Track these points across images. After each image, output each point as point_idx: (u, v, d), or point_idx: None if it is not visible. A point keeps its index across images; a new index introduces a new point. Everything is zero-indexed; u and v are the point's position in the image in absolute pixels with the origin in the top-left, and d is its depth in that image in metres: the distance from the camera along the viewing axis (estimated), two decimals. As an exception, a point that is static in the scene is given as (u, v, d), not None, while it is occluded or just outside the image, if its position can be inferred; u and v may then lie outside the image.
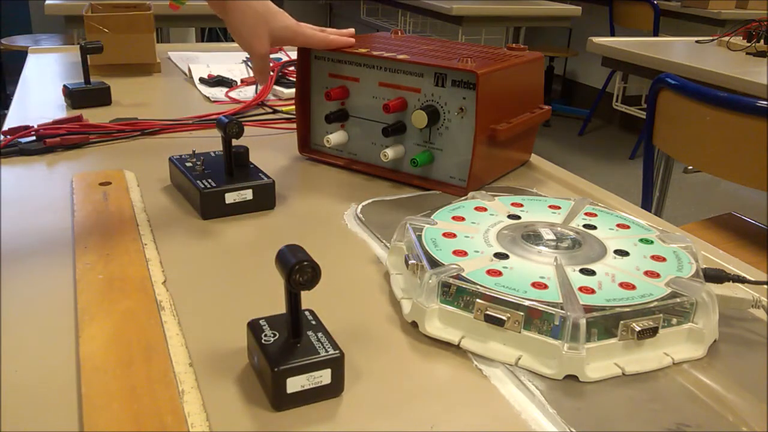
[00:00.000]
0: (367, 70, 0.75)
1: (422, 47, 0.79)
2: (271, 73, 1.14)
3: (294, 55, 1.27)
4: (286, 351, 0.39)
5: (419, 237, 0.53)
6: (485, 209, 0.59)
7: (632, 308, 0.44)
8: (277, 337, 0.41)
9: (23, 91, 1.09)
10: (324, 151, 0.81)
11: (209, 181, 0.64)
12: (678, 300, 0.46)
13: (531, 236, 0.54)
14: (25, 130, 0.82)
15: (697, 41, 1.94)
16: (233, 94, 1.09)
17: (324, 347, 0.40)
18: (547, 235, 0.54)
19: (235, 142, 0.65)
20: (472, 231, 0.55)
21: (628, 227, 0.57)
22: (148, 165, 0.76)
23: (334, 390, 0.40)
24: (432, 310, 0.46)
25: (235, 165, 0.67)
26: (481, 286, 0.46)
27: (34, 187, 0.70)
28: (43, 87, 1.11)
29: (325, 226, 0.64)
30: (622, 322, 0.44)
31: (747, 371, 0.45)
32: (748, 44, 1.80)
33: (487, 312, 0.44)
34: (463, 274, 0.47)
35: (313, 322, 0.42)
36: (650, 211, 1.19)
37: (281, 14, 0.75)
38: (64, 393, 0.40)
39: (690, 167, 3.04)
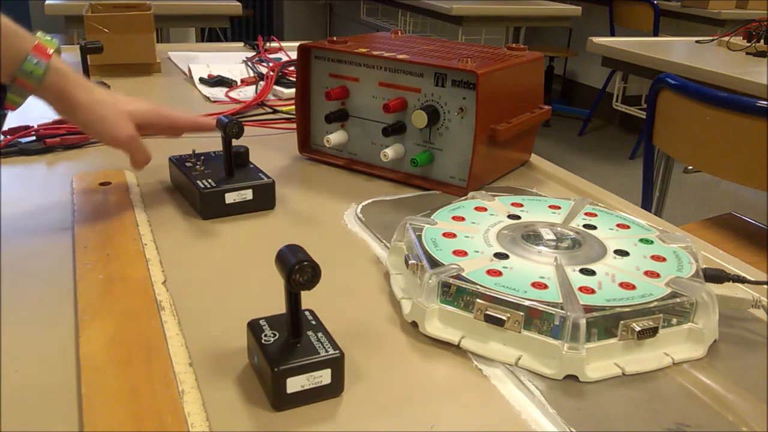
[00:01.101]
0: (367, 70, 0.75)
1: (422, 47, 0.79)
2: (272, 73, 1.14)
3: (294, 55, 1.27)
4: (286, 351, 0.39)
5: (419, 237, 0.53)
6: (485, 209, 0.59)
7: (632, 308, 0.44)
8: (277, 337, 0.41)
9: (23, 91, 1.08)
10: (324, 151, 0.81)
11: (209, 181, 0.64)
12: (678, 300, 0.46)
13: (531, 236, 0.54)
14: (25, 130, 0.82)
15: (697, 41, 1.94)
16: (233, 94, 1.09)
17: (324, 347, 0.40)
18: (547, 235, 0.54)
19: (235, 142, 0.65)
20: (472, 231, 0.55)
21: (628, 227, 0.57)
22: (148, 165, 0.76)
23: (334, 390, 0.40)
24: (432, 310, 0.46)
25: (235, 165, 0.67)
26: (481, 286, 0.46)
27: (34, 187, 0.70)
28: (43, 87, 1.11)
29: (325, 226, 0.64)
30: (622, 322, 0.44)
31: (747, 371, 0.45)
32: (748, 44, 1.80)
33: (487, 312, 0.44)
34: (463, 274, 0.47)
35: (313, 322, 0.42)
36: (650, 211, 1.19)
37: (134, 99, 0.67)
38: (64, 393, 0.40)
39: (690, 167, 3.04)
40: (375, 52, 0.74)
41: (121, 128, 0.63)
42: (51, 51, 0.60)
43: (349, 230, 0.64)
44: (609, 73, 3.57)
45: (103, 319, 0.46)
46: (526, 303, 0.44)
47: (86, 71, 1.00)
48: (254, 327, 0.42)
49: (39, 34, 0.62)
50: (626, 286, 0.47)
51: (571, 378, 0.43)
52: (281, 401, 0.39)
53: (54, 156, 0.79)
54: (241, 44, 1.55)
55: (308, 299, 0.41)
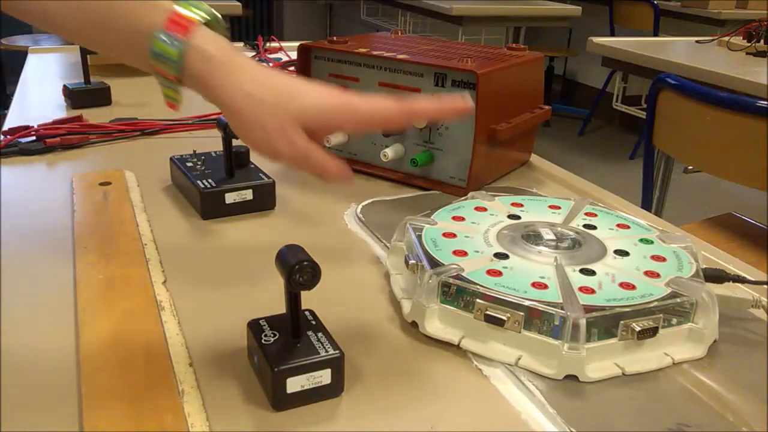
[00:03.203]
0: (367, 70, 0.75)
1: (422, 47, 0.79)
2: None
3: (294, 55, 1.27)
4: (286, 351, 0.39)
5: (419, 237, 0.53)
6: (485, 209, 0.59)
7: (632, 308, 0.44)
8: (277, 337, 0.41)
9: (23, 91, 1.09)
10: (324, 151, 0.81)
11: (210, 181, 0.64)
12: (678, 300, 0.46)
13: (531, 236, 0.54)
14: (25, 130, 0.81)
15: (697, 41, 1.94)
16: (233, 94, 1.09)
17: (324, 347, 0.40)
18: (547, 235, 0.54)
19: (235, 142, 0.65)
20: (472, 231, 0.55)
21: (628, 227, 0.57)
22: (148, 165, 0.76)
23: (334, 390, 0.40)
24: (432, 310, 0.46)
25: (235, 165, 0.67)
26: (481, 286, 0.46)
27: (34, 187, 0.70)
28: (43, 87, 1.11)
29: (325, 226, 0.64)
30: (622, 322, 0.44)
31: (747, 371, 0.45)
32: (748, 44, 1.80)
33: (487, 312, 0.44)
34: (463, 274, 0.47)
35: (313, 322, 0.42)
36: (650, 211, 1.19)
37: (311, 84, 0.46)
38: (64, 393, 0.40)
39: (690, 167, 3.04)
40: (375, 52, 0.74)
41: (284, 141, 0.43)
42: (192, 23, 0.43)
43: (349, 230, 0.64)
44: (609, 73, 3.57)
45: (103, 319, 0.46)
46: (526, 303, 0.44)
47: (86, 71, 1.00)
48: (254, 327, 0.42)
49: None
50: (626, 286, 0.47)
51: (571, 378, 0.43)
52: (281, 401, 0.39)
53: (54, 156, 0.79)
54: (241, 44, 1.55)
55: (308, 299, 0.41)
